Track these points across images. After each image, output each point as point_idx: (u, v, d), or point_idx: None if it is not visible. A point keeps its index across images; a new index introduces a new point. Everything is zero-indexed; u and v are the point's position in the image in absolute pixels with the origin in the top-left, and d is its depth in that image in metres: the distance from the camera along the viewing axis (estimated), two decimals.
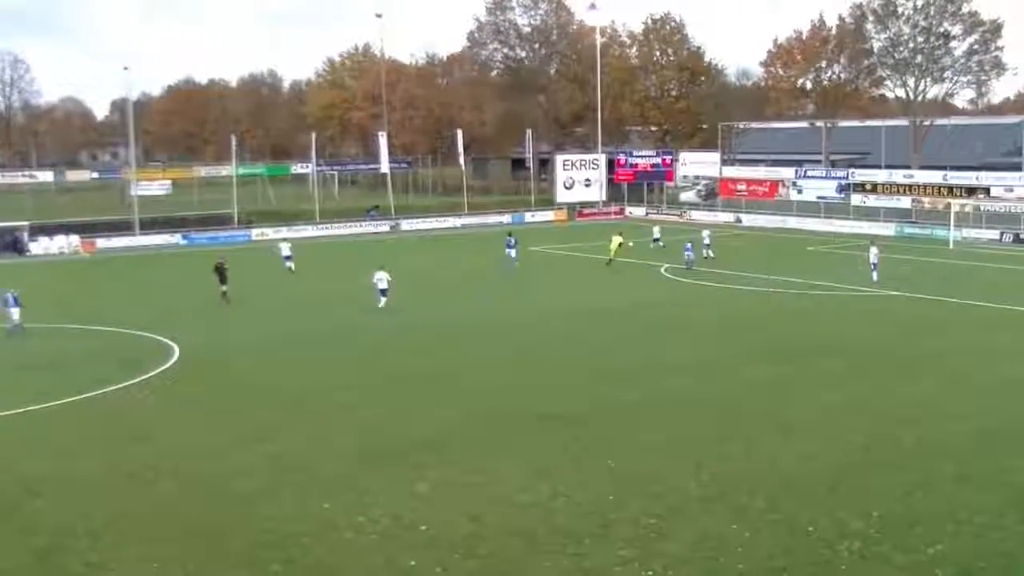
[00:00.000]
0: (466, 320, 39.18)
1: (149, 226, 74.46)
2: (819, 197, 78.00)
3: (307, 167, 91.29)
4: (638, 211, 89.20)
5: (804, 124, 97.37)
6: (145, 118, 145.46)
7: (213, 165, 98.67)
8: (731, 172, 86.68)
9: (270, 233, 73.36)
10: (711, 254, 55.86)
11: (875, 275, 46.67)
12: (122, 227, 73.88)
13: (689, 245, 53.87)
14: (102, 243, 70.64)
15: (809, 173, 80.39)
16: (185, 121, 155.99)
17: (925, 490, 19.18)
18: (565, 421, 24.33)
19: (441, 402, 26.53)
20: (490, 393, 27.48)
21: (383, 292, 40.72)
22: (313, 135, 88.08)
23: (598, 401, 26.29)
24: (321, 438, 23.31)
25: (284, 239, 62.00)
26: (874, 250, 47.57)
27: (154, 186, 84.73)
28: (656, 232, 64.29)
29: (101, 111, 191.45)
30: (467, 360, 32.02)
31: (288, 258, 55.34)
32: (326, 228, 78.97)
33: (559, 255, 62.38)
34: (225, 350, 34.03)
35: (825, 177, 79.43)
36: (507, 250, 56.27)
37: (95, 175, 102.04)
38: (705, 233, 58.15)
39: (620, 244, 55.81)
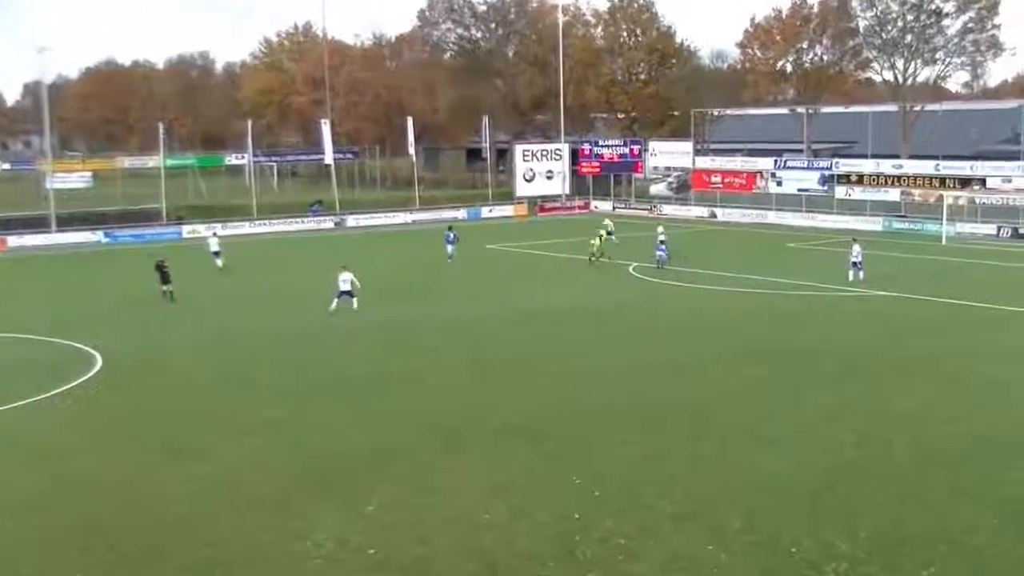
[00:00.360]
0: (419, 322, 39.06)
1: (67, 222, 73.85)
2: (800, 190, 78.65)
3: (243, 158, 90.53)
4: (604, 205, 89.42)
5: (784, 110, 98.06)
6: (61, 103, 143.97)
7: (138, 155, 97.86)
8: (705, 163, 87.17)
9: (202, 230, 72.73)
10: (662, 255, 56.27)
11: (860, 274, 46.91)
12: (37, 223, 73.23)
13: (663, 246, 53.93)
14: (14, 241, 69.89)
15: (789, 163, 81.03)
16: (106, 107, 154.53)
17: (916, 505, 19.30)
18: (526, 431, 24.30)
19: (390, 411, 26.43)
20: (445, 401, 27.40)
21: (345, 294, 40.63)
22: (249, 122, 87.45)
23: (562, 408, 26.30)
24: (259, 452, 23.15)
25: (213, 233, 61.82)
26: (856, 248, 47.70)
27: (72, 178, 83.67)
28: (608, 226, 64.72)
29: (12, 95, 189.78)
30: (420, 365, 31.84)
31: (217, 254, 55.25)
32: (264, 224, 78.68)
33: (520, 253, 62.40)
34: (154, 356, 33.70)
35: (807, 168, 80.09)
36: (447, 246, 56.74)
37: (6, 166, 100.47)
38: (659, 230, 58.31)
39: (602, 238, 56.34)
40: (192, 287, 47.44)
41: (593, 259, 54.92)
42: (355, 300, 40.65)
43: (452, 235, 57.94)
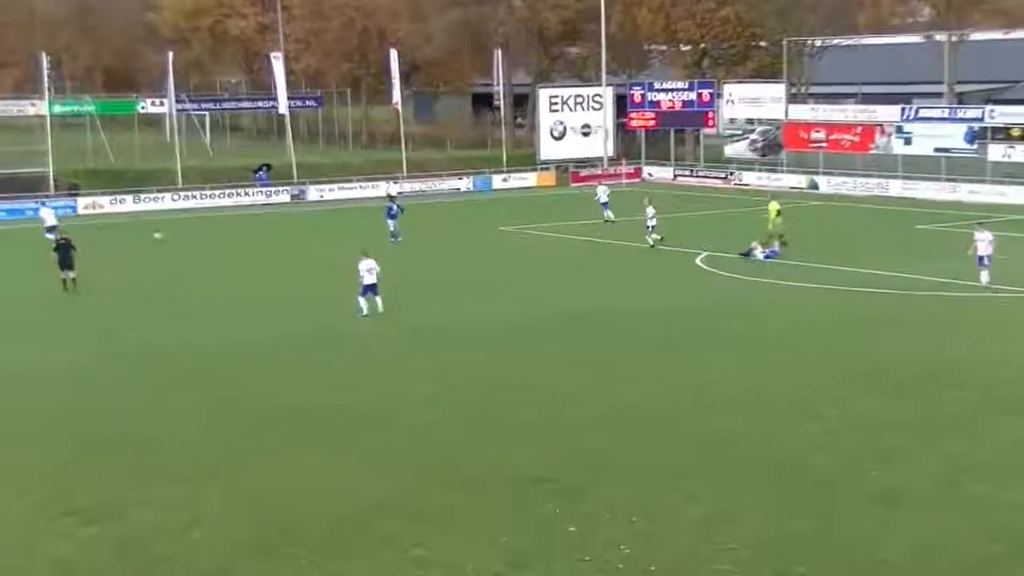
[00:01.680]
0: (408, 331, 39.33)
1: None
2: (938, 150, 78.41)
3: (162, 104, 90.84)
4: (662, 172, 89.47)
5: (916, 38, 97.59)
6: None
7: (13, 99, 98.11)
8: (802, 113, 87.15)
9: (106, 204, 73.16)
10: (656, 237, 57.71)
11: (985, 275, 45.59)
12: None
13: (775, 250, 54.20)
14: None
15: (922, 113, 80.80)
16: None
17: None
18: (556, 484, 24.31)
19: (374, 456, 26.49)
20: (446, 441, 27.47)
21: (369, 288, 41.37)
22: (170, 55, 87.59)
23: (604, 454, 26.35)
24: (188, 510, 23.12)
25: (42, 204, 62.81)
26: (985, 236, 46.37)
27: None
28: (603, 195, 65.31)
29: None
30: (410, 391, 31.96)
31: (52, 229, 56.06)
32: (192, 198, 78.87)
33: (546, 238, 62.61)
34: (39, 379, 33.81)
35: (948, 119, 79.85)
36: (388, 221, 58.30)
37: None
38: (649, 211, 58.81)
39: (779, 212, 57.28)
40: (99, 281, 47.70)
41: (778, 238, 55.91)
42: (379, 298, 41.36)
43: (395, 207, 59.66)
